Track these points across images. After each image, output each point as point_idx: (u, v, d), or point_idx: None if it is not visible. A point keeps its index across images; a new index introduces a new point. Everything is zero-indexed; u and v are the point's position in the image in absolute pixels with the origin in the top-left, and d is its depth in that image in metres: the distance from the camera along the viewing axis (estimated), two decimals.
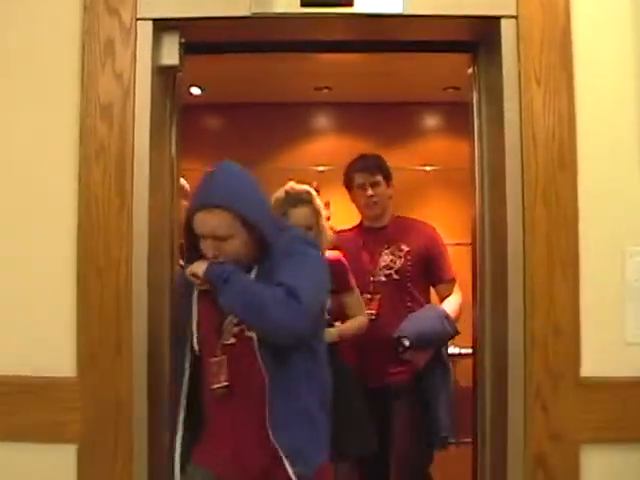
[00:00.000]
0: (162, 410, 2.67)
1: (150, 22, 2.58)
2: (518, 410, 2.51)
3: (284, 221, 3.00)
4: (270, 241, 2.63)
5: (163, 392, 2.69)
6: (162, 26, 2.63)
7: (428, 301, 4.10)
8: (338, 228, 4.24)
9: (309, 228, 3.52)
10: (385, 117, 6.06)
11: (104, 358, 2.50)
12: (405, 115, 6.18)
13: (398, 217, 4.20)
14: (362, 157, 4.19)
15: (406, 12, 2.60)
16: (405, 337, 3.66)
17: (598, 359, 2.52)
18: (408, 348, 3.66)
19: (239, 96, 5.89)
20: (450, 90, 5.52)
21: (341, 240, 3.98)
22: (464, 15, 2.61)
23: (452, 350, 5.27)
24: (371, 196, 4.02)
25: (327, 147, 6.28)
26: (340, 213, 5.20)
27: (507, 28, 2.57)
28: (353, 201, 4.21)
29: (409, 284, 3.95)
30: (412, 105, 6.13)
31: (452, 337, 3.91)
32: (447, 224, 6.04)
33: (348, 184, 4.18)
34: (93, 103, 2.55)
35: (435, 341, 3.80)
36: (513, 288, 2.52)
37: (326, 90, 5.86)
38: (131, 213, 2.52)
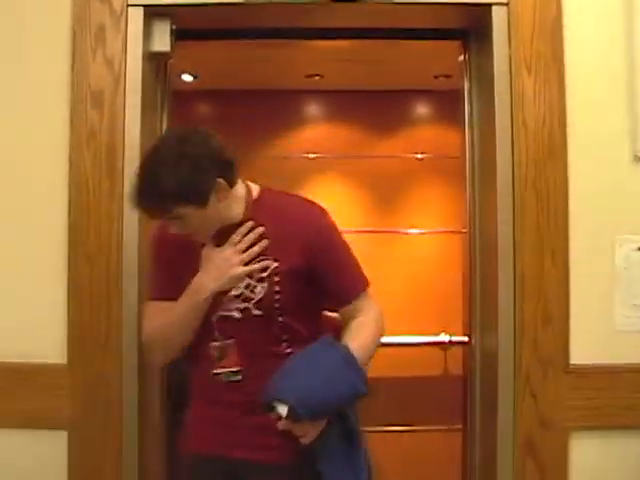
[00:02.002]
0: (152, 395, 2.68)
1: (141, 8, 2.58)
2: (508, 397, 2.52)
3: None
4: None
5: (153, 377, 2.69)
6: (153, 12, 2.62)
7: (319, 327, 2.35)
8: None
9: None
10: (376, 105, 6.04)
11: (94, 344, 2.50)
12: (396, 103, 6.15)
13: (258, 201, 2.29)
14: (140, 184, 2.10)
15: None
16: (281, 401, 2.02)
17: (587, 346, 2.53)
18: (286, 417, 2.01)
19: (231, 83, 5.86)
20: (441, 78, 5.50)
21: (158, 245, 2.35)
22: (455, 2, 2.61)
23: (442, 338, 5.29)
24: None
25: (318, 135, 6.26)
26: (331, 204, 5.19)
27: (498, 15, 2.57)
28: None
29: (282, 318, 2.24)
30: (403, 93, 6.11)
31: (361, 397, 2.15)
32: (438, 212, 6.05)
33: None
34: (84, 89, 2.55)
35: (334, 405, 2.11)
36: (503, 276, 2.53)
37: (317, 78, 5.84)
38: (121, 199, 2.51)
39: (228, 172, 2.15)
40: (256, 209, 2.25)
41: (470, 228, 2.87)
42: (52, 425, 2.52)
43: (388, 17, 2.78)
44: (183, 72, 5.56)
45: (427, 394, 5.61)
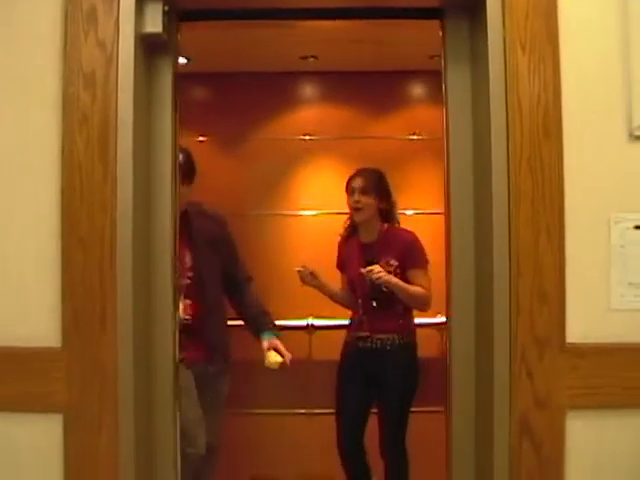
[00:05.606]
0: (148, 377, 2.68)
1: None
2: (503, 376, 2.52)
3: None
4: None
5: (149, 360, 2.69)
6: None
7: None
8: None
9: None
10: (371, 86, 6.03)
11: (88, 327, 2.50)
12: (391, 84, 6.14)
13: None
14: None
15: None
16: None
17: (583, 325, 2.53)
18: None
19: (225, 66, 5.85)
20: (436, 58, 5.48)
21: None
22: None
23: (439, 319, 5.29)
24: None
25: (313, 116, 6.25)
26: (326, 186, 5.19)
27: None
28: None
29: None
30: (398, 73, 6.10)
31: None
32: (433, 193, 6.04)
33: None
34: (76, 72, 2.53)
35: None
36: (498, 255, 2.52)
37: (312, 59, 5.83)
38: (115, 182, 2.50)
39: None
40: None
41: None
42: (47, 408, 2.52)
43: None
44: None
45: (424, 376, 5.61)
